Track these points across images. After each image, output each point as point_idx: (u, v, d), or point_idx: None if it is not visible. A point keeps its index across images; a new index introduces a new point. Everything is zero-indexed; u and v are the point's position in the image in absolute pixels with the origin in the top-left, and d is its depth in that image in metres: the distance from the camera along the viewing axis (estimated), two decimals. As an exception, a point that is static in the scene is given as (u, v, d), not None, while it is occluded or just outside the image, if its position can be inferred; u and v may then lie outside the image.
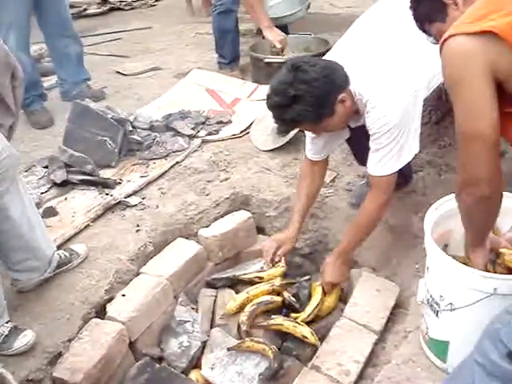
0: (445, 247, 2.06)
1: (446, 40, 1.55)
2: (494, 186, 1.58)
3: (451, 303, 1.92)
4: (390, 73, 2.31)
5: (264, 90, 4.12)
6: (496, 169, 1.57)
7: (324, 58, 2.48)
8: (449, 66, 1.56)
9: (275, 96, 2.24)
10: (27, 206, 2.43)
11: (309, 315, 2.56)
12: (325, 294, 2.63)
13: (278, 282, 2.71)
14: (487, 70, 1.49)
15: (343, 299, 2.80)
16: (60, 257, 2.62)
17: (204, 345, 2.59)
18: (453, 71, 1.56)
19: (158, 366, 2.47)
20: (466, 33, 1.51)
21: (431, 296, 2.02)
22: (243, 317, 2.55)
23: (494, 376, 1.42)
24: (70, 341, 2.39)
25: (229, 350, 2.45)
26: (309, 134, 2.61)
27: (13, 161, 2.32)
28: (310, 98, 2.18)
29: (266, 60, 4.19)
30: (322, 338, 2.44)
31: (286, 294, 2.66)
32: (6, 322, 2.33)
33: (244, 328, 2.51)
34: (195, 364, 2.56)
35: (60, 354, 2.35)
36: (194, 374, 2.49)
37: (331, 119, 2.28)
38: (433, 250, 1.92)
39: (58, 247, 2.78)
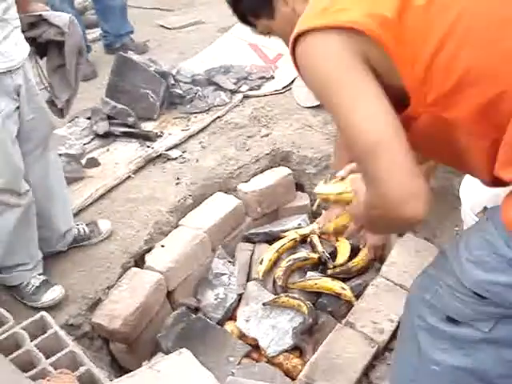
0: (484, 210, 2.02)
1: (296, 40, 1.20)
2: (423, 200, 1.12)
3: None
4: None
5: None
6: (417, 175, 1.13)
7: None
8: (310, 70, 1.20)
9: None
10: (51, 176, 2.41)
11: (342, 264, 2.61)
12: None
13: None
14: (360, 59, 1.15)
15: (379, 259, 2.80)
16: (79, 232, 2.59)
17: (240, 298, 2.62)
18: (318, 73, 1.19)
19: (194, 316, 2.52)
20: (320, 27, 1.16)
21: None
22: (279, 272, 2.57)
23: (438, 337, 1.41)
24: (109, 288, 2.45)
25: (264, 305, 2.47)
26: None
27: (42, 126, 2.30)
28: None
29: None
30: (357, 296, 2.44)
31: (320, 249, 2.66)
32: (39, 274, 2.36)
33: (279, 283, 2.53)
34: (230, 316, 2.59)
35: (99, 301, 2.41)
36: (229, 326, 2.52)
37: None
38: (466, 214, 1.89)
39: (101, 197, 2.83)
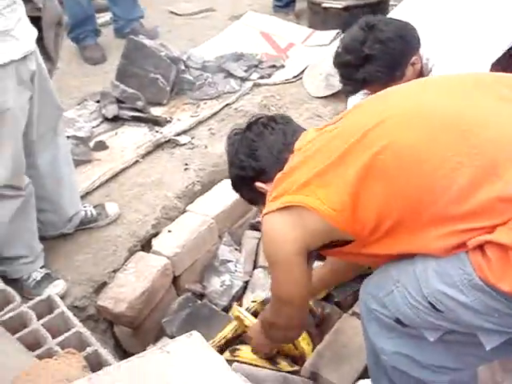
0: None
1: (263, 217, 1.57)
2: (302, 330, 1.95)
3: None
4: (465, 40, 2.17)
5: (320, 35, 4.09)
6: (304, 318, 1.84)
7: (391, 15, 2.37)
8: (265, 245, 1.61)
9: (347, 54, 2.15)
10: (60, 160, 2.38)
11: None
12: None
13: None
14: (300, 247, 1.50)
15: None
16: (86, 214, 2.57)
17: (246, 285, 2.61)
18: (268, 252, 1.59)
19: (199, 302, 2.51)
20: (275, 210, 1.49)
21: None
22: None
23: (386, 328, 1.47)
24: (115, 272, 2.44)
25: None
26: None
27: (51, 110, 2.27)
28: (385, 59, 2.09)
29: (324, 5, 4.08)
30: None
31: None
32: (41, 267, 2.33)
33: None
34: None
35: (105, 284, 2.40)
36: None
37: (400, 82, 2.17)
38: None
39: (108, 180, 2.82)
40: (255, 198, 1.80)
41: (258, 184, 1.68)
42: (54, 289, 2.25)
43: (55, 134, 2.34)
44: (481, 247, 1.20)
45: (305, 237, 1.47)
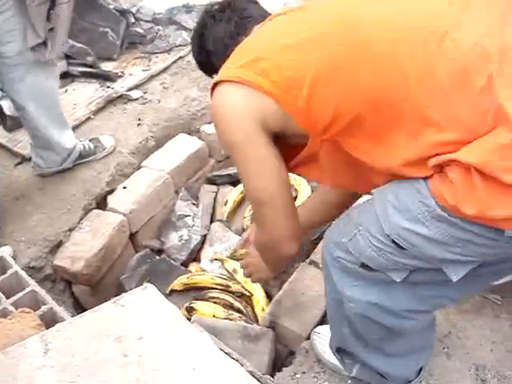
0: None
1: (213, 88, 1.37)
2: (296, 241, 1.48)
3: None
4: None
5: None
6: (294, 225, 1.46)
7: None
8: (219, 126, 1.38)
9: None
10: (44, 99, 2.39)
11: None
12: None
13: None
14: (260, 125, 1.32)
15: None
16: (84, 147, 2.62)
17: (204, 239, 2.60)
18: (224, 131, 1.37)
19: (157, 257, 2.51)
20: (232, 80, 1.32)
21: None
22: (246, 221, 2.55)
23: (352, 275, 1.45)
24: (70, 230, 2.41)
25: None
26: None
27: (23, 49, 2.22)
28: None
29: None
30: (321, 237, 2.44)
31: None
32: None
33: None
34: (194, 257, 2.58)
35: (61, 243, 2.37)
36: (193, 267, 2.51)
37: None
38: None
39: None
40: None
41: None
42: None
43: (33, 74, 2.29)
44: (441, 169, 1.15)
45: (262, 114, 1.31)
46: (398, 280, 1.35)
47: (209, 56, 1.56)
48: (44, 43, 2.21)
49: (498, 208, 1.08)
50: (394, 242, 1.26)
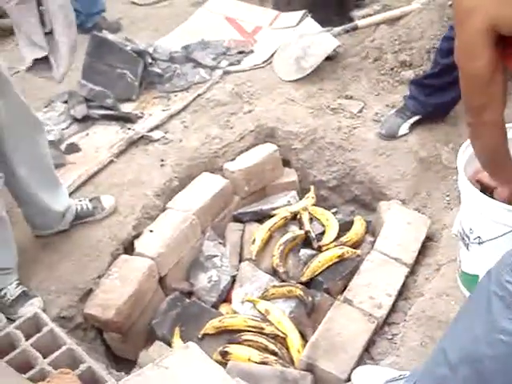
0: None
1: None
2: (497, 111, 1.55)
3: (479, 236, 1.88)
4: None
5: (286, 17, 4.04)
6: (497, 96, 1.52)
7: None
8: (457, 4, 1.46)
9: None
10: (36, 164, 2.31)
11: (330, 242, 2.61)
12: None
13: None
14: (488, 23, 1.37)
15: (371, 232, 2.78)
16: (82, 208, 2.53)
17: (233, 279, 2.58)
18: (459, 10, 1.45)
19: (188, 300, 2.48)
20: None
21: (463, 229, 1.98)
22: (276, 260, 2.53)
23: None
24: (99, 277, 2.39)
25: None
26: None
27: (17, 113, 2.17)
28: None
29: (287, -15, 4.02)
30: (352, 272, 2.41)
31: (307, 228, 2.66)
32: (17, 286, 2.24)
33: (281, 270, 2.50)
34: (225, 298, 2.56)
35: (90, 291, 2.35)
36: (224, 309, 2.49)
37: None
38: (463, 184, 1.87)
39: (84, 183, 2.76)
40: None
41: None
42: (30, 308, 2.12)
43: (29, 139, 2.25)
44: None
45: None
46: None
47: None
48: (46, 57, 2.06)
49: None
50: None
